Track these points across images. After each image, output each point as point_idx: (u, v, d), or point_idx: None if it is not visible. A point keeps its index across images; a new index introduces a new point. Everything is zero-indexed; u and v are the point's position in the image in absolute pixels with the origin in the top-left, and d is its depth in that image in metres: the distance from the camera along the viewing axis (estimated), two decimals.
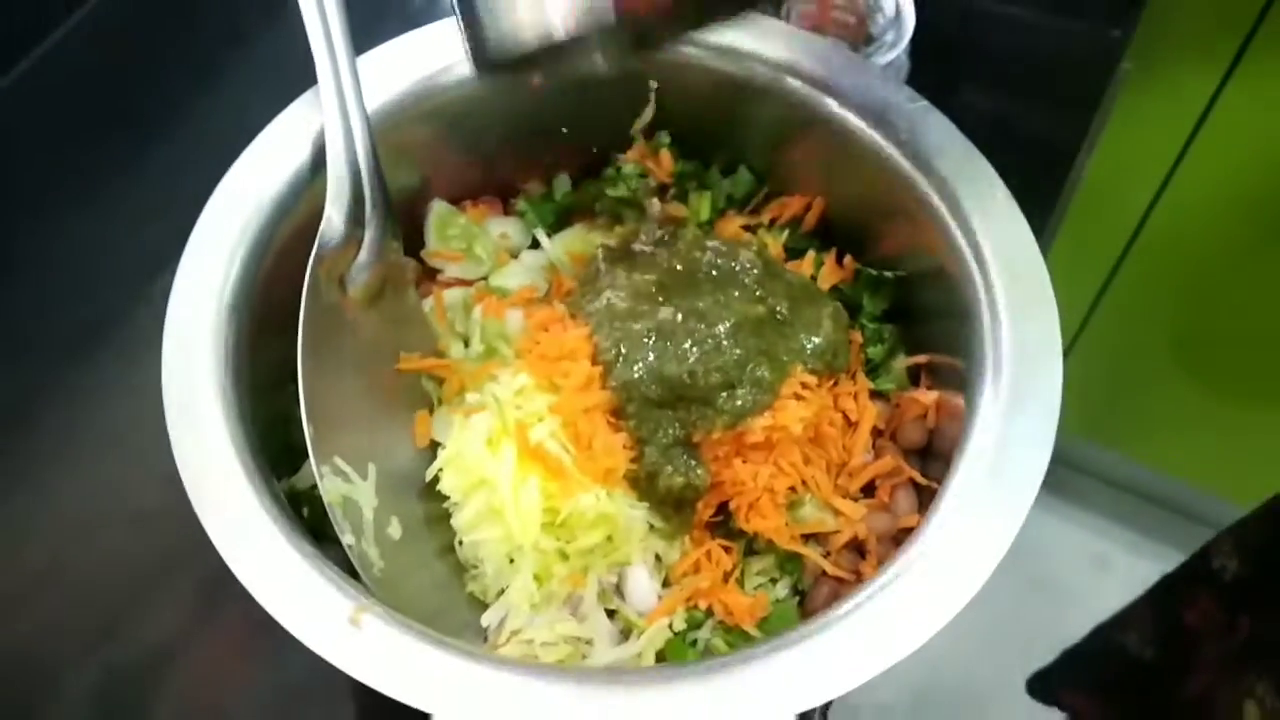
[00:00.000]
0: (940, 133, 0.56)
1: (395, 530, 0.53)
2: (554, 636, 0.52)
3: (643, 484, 0.54)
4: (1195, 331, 1.31)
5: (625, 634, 0.54)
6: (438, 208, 0.63)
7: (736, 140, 0.63)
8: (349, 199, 0.53)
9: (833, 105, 0.57)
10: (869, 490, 0.57)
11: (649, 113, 0.61)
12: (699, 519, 0.55)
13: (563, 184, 0.65)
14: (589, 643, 0.53)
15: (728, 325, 0.55)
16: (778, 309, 0.57)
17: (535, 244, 0.65)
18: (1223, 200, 1.13)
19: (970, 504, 0.47)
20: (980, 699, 1.50)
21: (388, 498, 0.53)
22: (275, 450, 0.51)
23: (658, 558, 0.55)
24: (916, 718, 1.51)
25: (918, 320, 0.60)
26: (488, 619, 0.53)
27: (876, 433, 0.59)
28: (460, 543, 0.55)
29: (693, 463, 0.54)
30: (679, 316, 0.55)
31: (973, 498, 0.47)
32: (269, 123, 0.55)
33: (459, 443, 0.54)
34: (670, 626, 0.53)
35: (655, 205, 0.63)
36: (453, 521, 0.54)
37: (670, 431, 0.54)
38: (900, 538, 0.54)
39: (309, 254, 0.52)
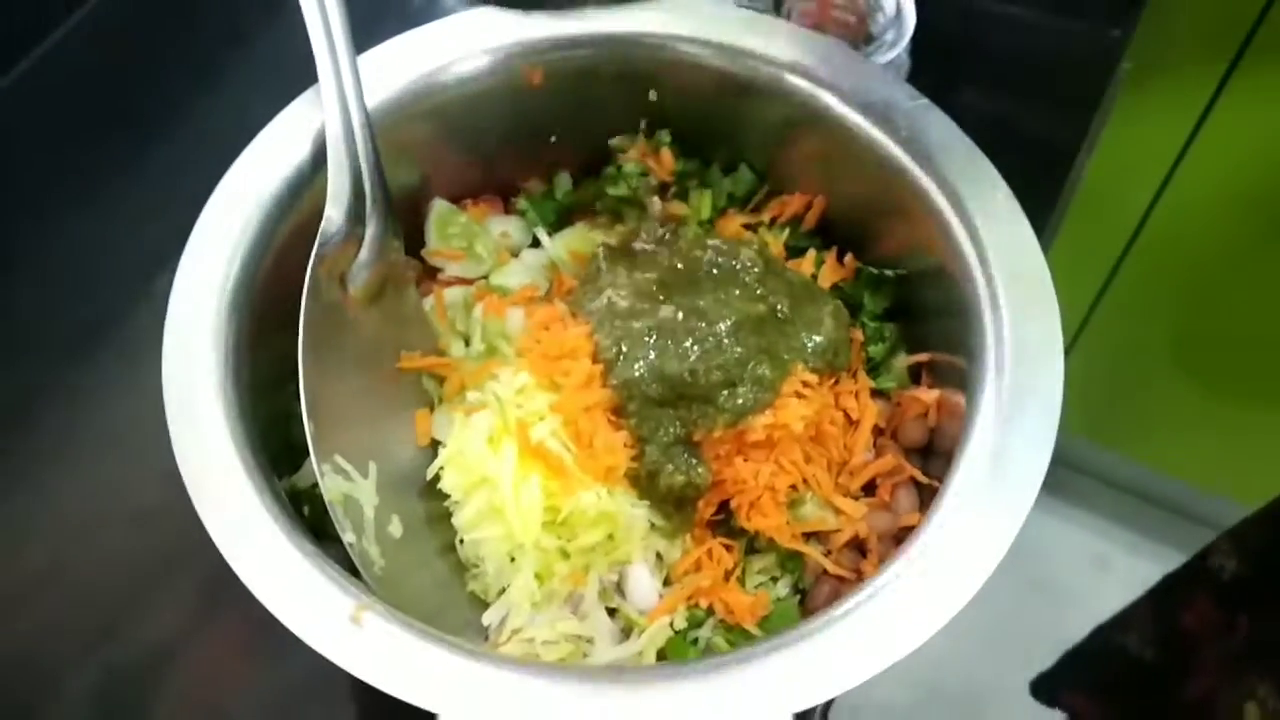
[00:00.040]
0: (941, 131, 0.56)
1: (396, 529, 0.53)
2: (555, 635, 0.52)
3: (644, 482, 0.54)
4: (1195, 331, 1.31)
5: (626, 633, 0.54)
6: (438, 206, 0.63)
7: (737, 139, 0.63)
8: (350, 197, 0.53)
9: (834, 104, 0.58)
10: (870, 489, 0.57)
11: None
12: (700, 517, 0.55)
13: (563, 182, 0.65)
14: (590, 641, 0.53)
15: (729, 324, 0.55)
16: (779, 307, 0.57)
17: (536, 243, 0.65)
18: (1223, 200, 1.13)
19: (971, 503, 0.47)
20: (980, 700, 1.50)
21: (389, 496, 0.53)
22: (276, 448, 0.51)
23: (659, 556, 0.55)
24: (917, 718, 1.51)
25: (919, 319, 0.60)
26: (489, 617, 0.53)
27: (877, 431, 0.59)
28: (461, 541, 0.55)
29: (694, 461, 0.54)
30: (680, 315, 0.55)
31: (974, 496, 0.47)
32: (269, 122, 0.55)
33: (460, 441, 0.54)
34: (671, 625, 0.53)
35: (656, 204, 0.63)
36: (453, 520, 0.54)
37: (671, 430, 0.54)
38: (901, 536, 0.54)
39: (310, 252, 0.52)
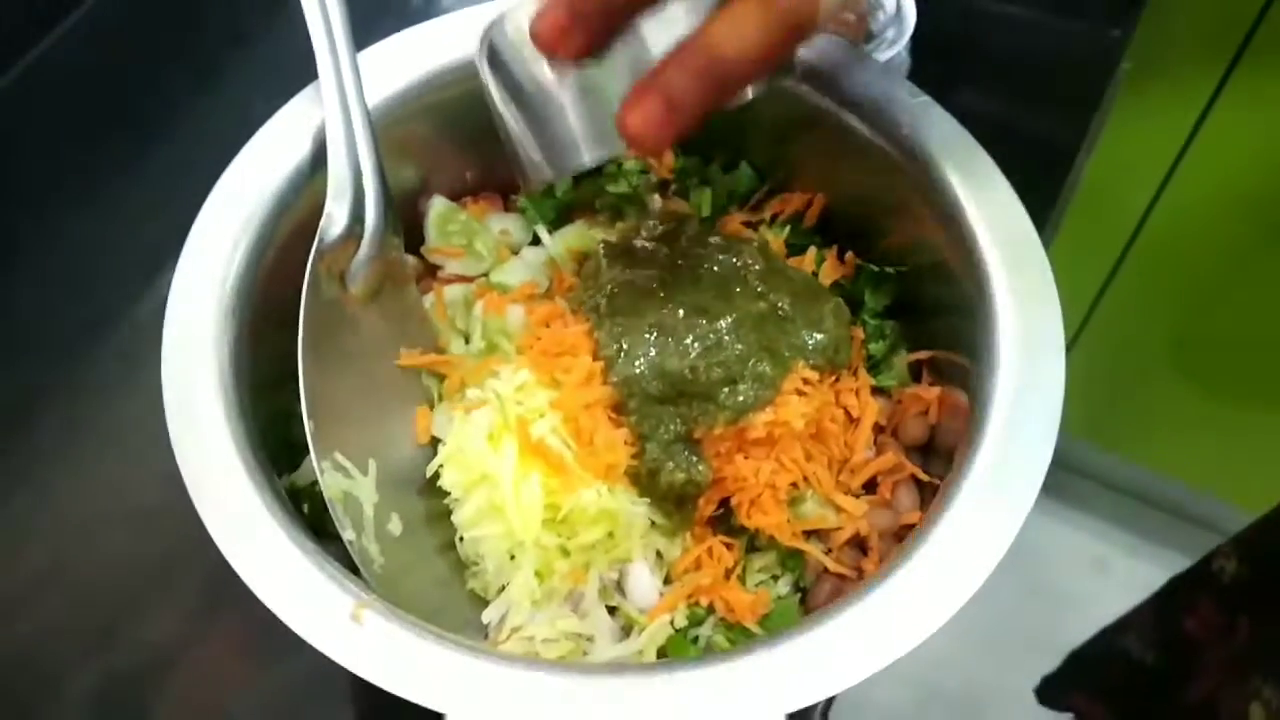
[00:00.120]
0: (942, 128, 0.56)
1: (396, 526, 0.53)
2: (555, 633, 0.52)
3: (644, 480, 0.53)
4: (1195, 332, 1.31)
5: (626, 631, 0.54)
6: (438, 204, 0.63)
7: (738, 136, 0.63)
8: (349, 195, 0.53)
9: (834, 101, 0.58)
10: (871, 487, 0.57)
11: None
12: (700, 515, 0.55)
13: (563, 180, 0.65)
14: (590, 639, 0.53)
15: (729, 321, 0.55)
16: (779, 305, 0.57)
17: (536, 240, 0.65)
18: (1222, 200, 1.13)
19: (972, 500, 0.47)
20: (980, 701, 1.50)
21: (388, 494, 0.53)
22: (275, 446, 0.51)
23: (659, 554, 0.55)
24: (917, 719, 1.51)
25: (920, 316, 0.60)
26: (488, 616, 0.53)
27: (878, 429, 0.58)
28: (461, 539, 0.55)
29: (694, 459, 0.53)
30: (680, 312, 0.55)
31: (975, 494, 0.47)
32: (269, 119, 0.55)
33: (460, 438, 0.54)
34: (671, 623, 0.53)
35: (656, 201, 0.63)
36: (453, 518, 0.54)
37: (671, 427, 0.53)
38: (902, 534, 0.54)
39: (309, 250, 0.52)
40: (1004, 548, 0.45)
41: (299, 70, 0.54)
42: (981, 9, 0.84)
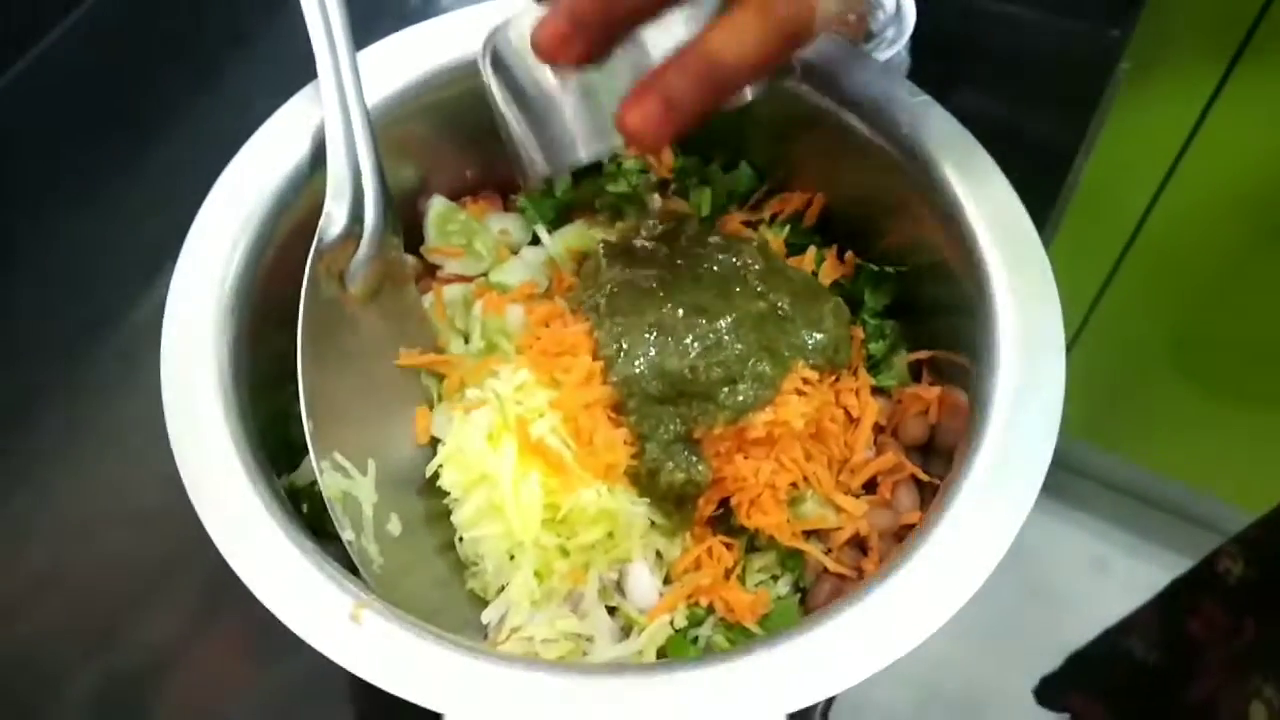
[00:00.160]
0: (942, 127, 0.56)
1: (395, 527, 0.53)
2: (554, 633, 0.52)
3: (644, 480, 0.53)
4: (1194, 333, 1.31)
5: (626, 631, 0.54)
6: (437, 204, 0.63)
7: (737, 136, 0.63)
8: (349, 194, 0.53)
9: (834, 100, 0.57)
10: (871, 487, 0.57)
11: None
12: (700, 515, 0.55)
13: (563, 180, 0.65)
14: (590, 640, 0.53)
15: (729, 321, 0.55)
16: (779, 305, 0.57)
17: (535, 240, 0.65)
18: (1222, 200, 1.13)
19: (973, 500, 0.47)
20: (980, 701, 1.50)
21: (387, 494, 0.53)
22: (275, 446, 0.51)
23: (659, 554, 0.55)
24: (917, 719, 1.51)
25: (920, 316, 0.60)
26: (488, 616, 0.53)
27: (878, 429, 0.58)
28: (460, 539, 0.55)
29: (694, 459, 0.53)
30: (680, 312, 0.55)
31: (975, 494, 0.47)
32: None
33: (459, 438, 0.54)
34: (671, 623, 0.53)
35: (656, 201, 0.63)
36: (453, 518, 0.54)
37: (671, 427, 0.53)
38: (902, 534, 0.54)
39: (309, 249, 0.52)
40: (1004, 548, 0.45)
41: (299, 70, 0.54)
42: (981, 9, 0.84)
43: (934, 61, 0.74)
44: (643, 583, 0.54)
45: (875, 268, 0.61)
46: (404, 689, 0.41)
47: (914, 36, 0.72)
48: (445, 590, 0.54)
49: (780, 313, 0.57)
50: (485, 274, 0.63)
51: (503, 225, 0.64)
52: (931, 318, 0.58)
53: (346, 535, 0.49)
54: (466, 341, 0.60)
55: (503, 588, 0.53)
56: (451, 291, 0.61)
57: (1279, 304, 1.18)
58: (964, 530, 0.46)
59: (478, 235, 0.63)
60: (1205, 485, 1.49)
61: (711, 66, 0.41)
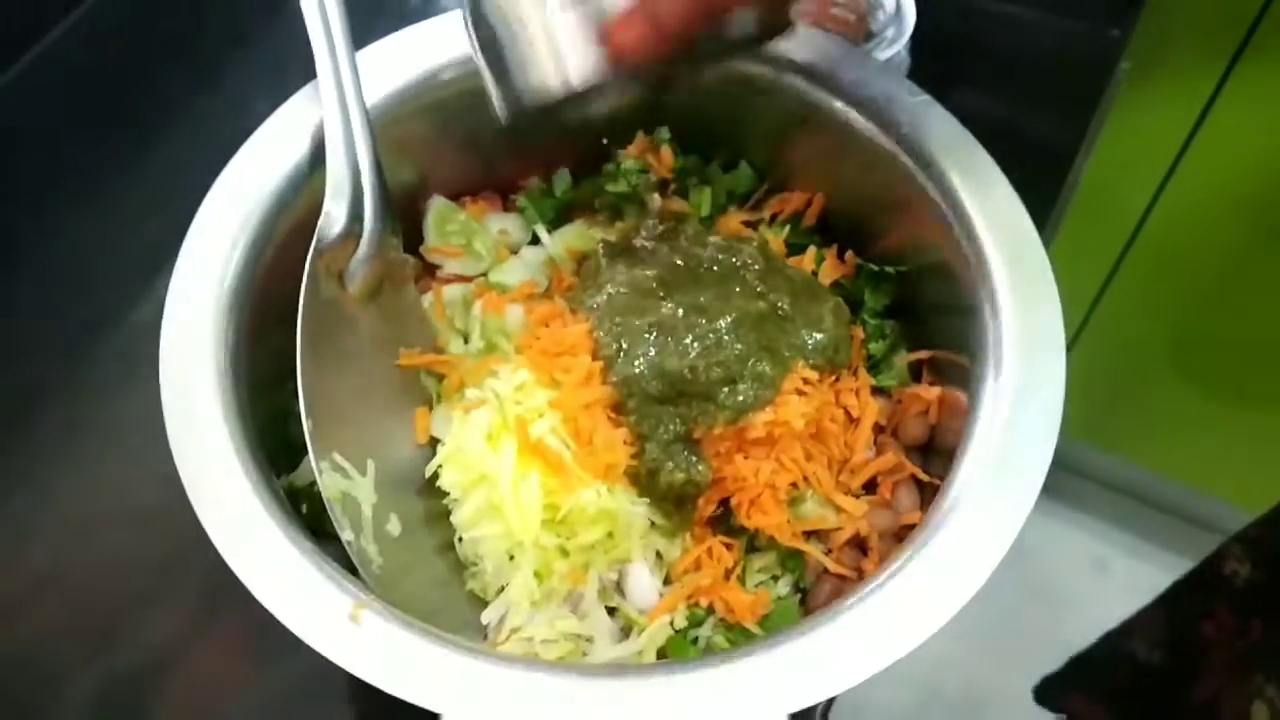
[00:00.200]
0: (942, 127, 0.56)
1: (394, 527, 0.53)
2: (554, 634, 0.52)
3: (643, 480, 0.53)
4: (1194, 333, 1.31)
5: (626, 631, 0.54)
6: (437, 204, 0.63)
7: (737, 135, 0.63)
8: (348, 194, 0.53)
9: (834, 100, 0.57)
10: (871, 487, 0.57)
11: None
12: (700, 515, 0.55)
13: (563, 179, 0.65)
14: (589, 640, 0.53)
15: (729, 320, 0.55)
16: (779, 304, 0.57)
17: (535, 240, 0.65)
18: (1222, 200, 1.13)
19: (973, 500, 0.46)
20: (980, 702, 1.50)
21: (387, 494, 0.53)
22: (274, 447, 0.51)
23: (659, 555, 0.55)
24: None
25: (920, 315, 0.60)
26: (487, 616, 0.53)
27: (878, 429, 0.58)
28: (460, 539, 0.55)
29: (694, 459, 0.53)
30: (680, 312, 0.55)
31: (975, 494, 0.47)
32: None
33: (459, 438, 0.54)
34: (671, 624, 0.53)
35: (656, 201, 0.63)
36: (452, 518, 0.54)
37: (671, 427, 0.53)
38: (902, 535, 0.54)
39: (308, 249, 0.52)
40: (1005, 547, 0.45)
41: (298, 70, 0.54)
42: (981, 9, 0.84)
43: (934, 61, 0.74)
44: (643, 583, 0.54)
45: (875, 268, 0.61)
46: (403, 689, 0.41)
47: (914, 36, 0.72)
48: (445, 590, 0.54)
49: (780, 313, 0.57)
50: (485, 274, 0.63)
51: (502, 225, 0.64)
52: (931, 318, 0.58)
53: (346, 535, 0.49)
54: (466, 341, 0.60)
55: (502, 588, 0.53)
56: (451, 291, 0.61)
57: (1279, 304, 1.18)
58: (964, 530, 0.46)
59: (477, 235, 0.63)
60: (1205, 485, 1.49)
61: None
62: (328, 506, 0.49)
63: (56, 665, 0.58)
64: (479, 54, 0.48)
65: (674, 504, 0.54)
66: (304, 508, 0.52)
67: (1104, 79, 0.82)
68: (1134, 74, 0.88)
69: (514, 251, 0.64)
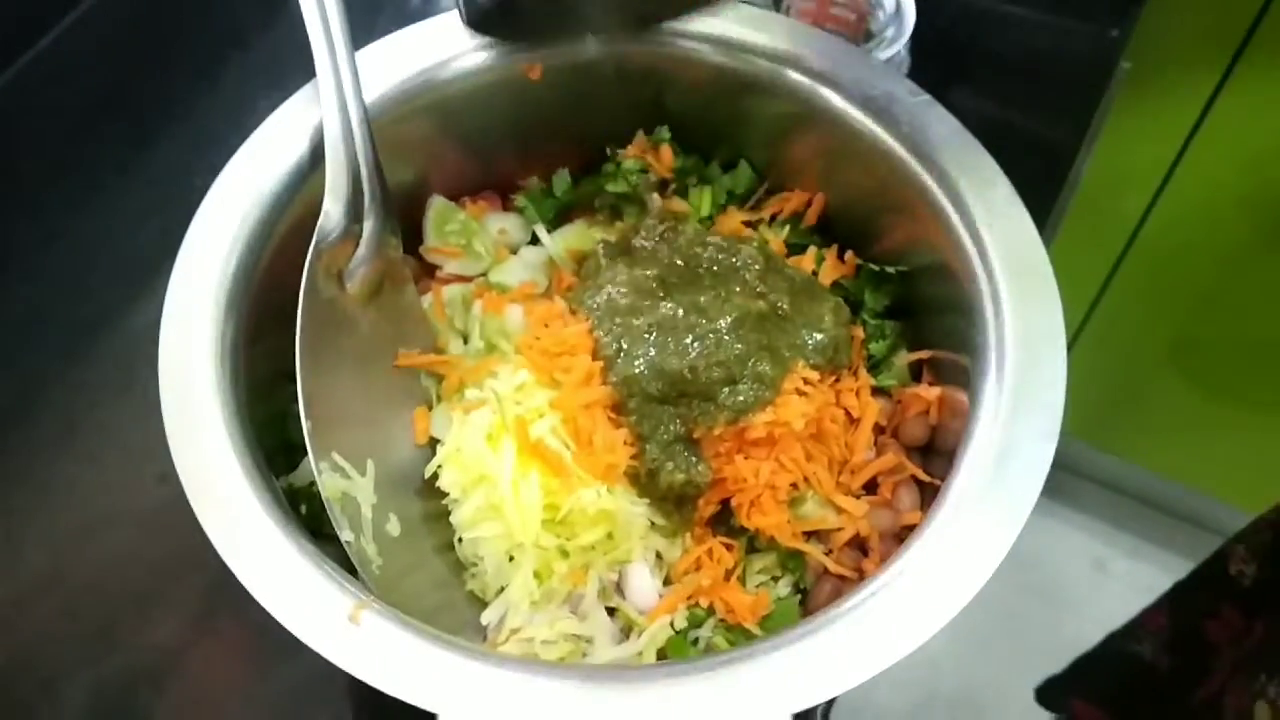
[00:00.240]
0: (942, 126, 0.56)
1: (394, 527, 0.53)
2: (554, 634, 0.52)
3: (644, 480, 0.53)
4: (1193, 334, 1.31)
5: (626, 632, 0.54)
6: (436, 203, 0.63)
7: (737, 135, 0.63)
8: (347, 193, 0.53)
9: (834, 99, 0.57)
10: (871, 487, 0.57)
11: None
12: (700, 516, 0.55)
13: (562, 180, 0.65)
14: (589, 641, 0.52)
15: (729, 320, 0.55)
16: (779, 304, 0.57)
17: (535, 240, 0.65)
18: (1222, 200, 1.13)
19: (973, 501, 0.46)
20: (979, 703, 1.50)
21: (386, 494, 0.53)
22: (273, 447, 0.51)
23: (659, 555, 0.55)
24: None
25: (920, 316, 0.60)
26: (487, 617, 0.53)
27: (878, 429, 0.58)
28: (459, 540, 0.55)
29: (694, 459, 0.53)
30: (680, 312, 0.55)
31: (976, 495, 0.47)
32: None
33: (458, 439, 0.54)
34: (671, 625, 0.53)
35: (656, 200, 0.63)
36: (452, 518, 0.54)
37: (671, 427, 0.53)
38: (902, 535, 0.54)
39: (307, 249, 0.51)
40: (1005, 548, 0.45)
41: (299, 70, 0.54)
42: (981, 9, 0.84)
43: (934, 61, 0.73)
44: (643, 584, 0.54)
45: (875, 268, 0.61)
46: (403, 690, 0.41)
47: (914, 36, 0.72)
48: (445, 591, 0.54)
49: (780, 312, 0.56)
50: (484, 274, 0.63)
51: (502, 225, 0.64)
52: (931, 318, 0.58)
53: (345, 536, 0.49)
54: (466, 342, 0.60)
55: (502, 589, 0.53)
56: (450, 291, 0.61)
57: (1279, 304, 1.18)
58: (964, 531, 0.46)
59: (477, 235, 0.63)
60: (1205, 485, 1.49)
61: None
62: (327, 507, 0.49)
63: (56, 666, 0.58)
64: None
65: (674, 504, 0.54)
66: (303, 508, 0.52)
67: (1104, 79, 0.82)
68: (1134, 74, 0.88)
69: (514, 251, 0.64)
